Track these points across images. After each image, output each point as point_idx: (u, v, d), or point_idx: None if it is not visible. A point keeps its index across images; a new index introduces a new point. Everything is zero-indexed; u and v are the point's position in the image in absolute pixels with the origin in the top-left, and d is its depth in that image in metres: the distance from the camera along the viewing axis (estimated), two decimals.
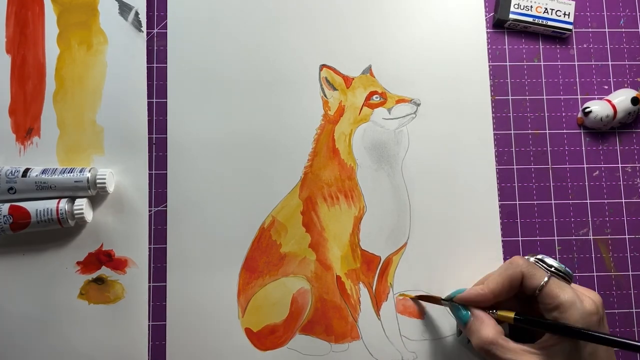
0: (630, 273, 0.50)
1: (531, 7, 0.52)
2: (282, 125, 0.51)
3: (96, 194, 0.48)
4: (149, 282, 0.49)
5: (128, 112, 0.50)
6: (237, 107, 0.51)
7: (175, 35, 0.52)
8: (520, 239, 0.50)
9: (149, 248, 0.49)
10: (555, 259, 0.46)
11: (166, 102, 0.51)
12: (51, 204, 0.46)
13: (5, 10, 0.51)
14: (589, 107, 0.51)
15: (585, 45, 0.54)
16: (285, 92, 0.51)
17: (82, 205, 0.47)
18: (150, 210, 0.49)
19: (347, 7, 0.53)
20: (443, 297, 0.45)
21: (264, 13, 0.52)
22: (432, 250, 0.49)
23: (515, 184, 0.51)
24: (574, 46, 0.53)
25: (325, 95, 0.51)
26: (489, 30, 0.53)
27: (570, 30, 0.52)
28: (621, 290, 0.50)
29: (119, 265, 0.48)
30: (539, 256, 0.44)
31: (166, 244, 0.49)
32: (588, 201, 0.51)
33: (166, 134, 0.50)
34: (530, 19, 0.52)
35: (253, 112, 0.51)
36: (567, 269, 0.42)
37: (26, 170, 0.47)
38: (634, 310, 0.50)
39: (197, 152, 0.50)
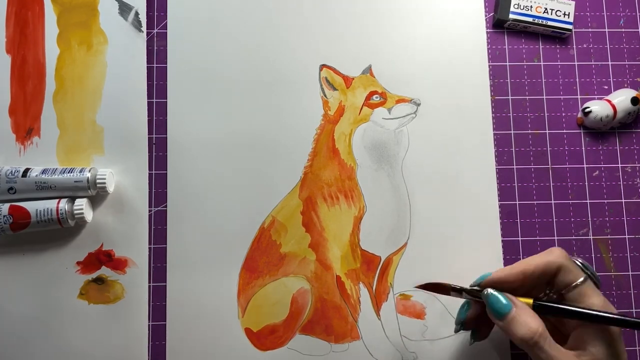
0: (630, 273, 0.50)
1: (531, 7, 0.52)
2: (282, 125, 0.51)
3: (96, 194, 0.48)
4: (149, 282, 0.49)
5: (128, 112, 0.50)
6: (237, 107, 0.51)
7: (175, 35, 0.52)
8: (520, 239, 0.50)
9: (149, 248, 0.49)
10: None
11: (166, 102, 0.51)
12: (51, 204, 0.46)
13: (5, 10, 0.51)
14: (588, 107, 0.51)
15: (585, 45, 0.54)
16: (285, 92, 0.51)
17: (82, 205, 0.47)
18: (150, 210, 0.49)
19: (347, 7, 0.53)
20: (458, 286, 0.41)
21: (263, 13, 0.52)
22: (432, 250, 0.49)
23: (515, 184, 0.51)
24: (574, 46, 0.53)
25: (325, 95, 0.51)
26: (488, 30, 0.53)
27: (570, 30, 0.52)
28: (621, 290, 0.50)
29: (119, 265, 0.48)
30: (578, 259, 0.44)
31: (166, 244, 0.49)
32: (588, 201, 0.51)
33: (166, 134, 0.50)
34: (530, 19, 0.52)
35: (253, 112, 0.51)
36: (599, 277, 0.42)
37: (26, 170, 0.47)
38: (634, 310, 0.50)
39: (197, 152, 0.50)
